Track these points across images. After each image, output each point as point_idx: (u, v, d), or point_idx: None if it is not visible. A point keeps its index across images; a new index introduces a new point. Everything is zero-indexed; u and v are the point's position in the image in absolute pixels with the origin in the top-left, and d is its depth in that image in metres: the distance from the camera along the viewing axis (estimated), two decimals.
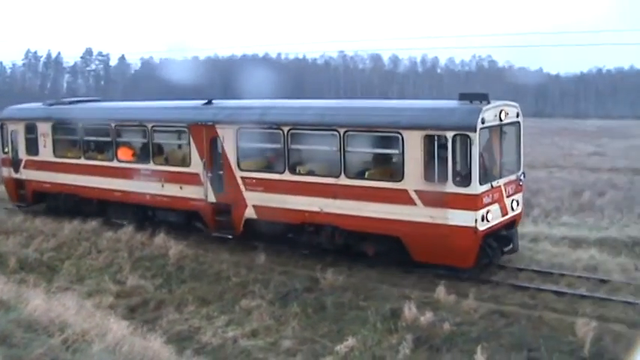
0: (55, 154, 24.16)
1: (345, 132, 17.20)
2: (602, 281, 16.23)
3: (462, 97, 16.66)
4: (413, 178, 16.36)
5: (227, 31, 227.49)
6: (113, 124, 22.25)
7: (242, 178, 19.21)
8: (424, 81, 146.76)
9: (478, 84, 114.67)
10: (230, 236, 19.92)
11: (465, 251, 16.13)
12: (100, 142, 23.27)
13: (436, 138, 16.03)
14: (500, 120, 16.60)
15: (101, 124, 22.80)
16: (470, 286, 15.87)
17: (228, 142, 19.37)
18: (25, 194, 25.58)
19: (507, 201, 17.07)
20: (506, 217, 17.14)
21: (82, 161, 23.26)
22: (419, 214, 16.34)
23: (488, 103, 16.15)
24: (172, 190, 20.77)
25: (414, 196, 16.37)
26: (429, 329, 13.70)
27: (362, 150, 17.59)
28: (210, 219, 20.14)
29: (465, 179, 15.89)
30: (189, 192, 20.33)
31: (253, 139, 19.26)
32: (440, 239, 16.01)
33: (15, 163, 25.57)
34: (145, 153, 21.66)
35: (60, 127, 24.11)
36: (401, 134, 16.44)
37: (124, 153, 22.37)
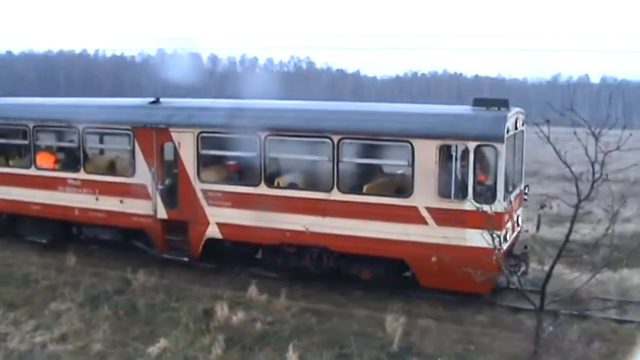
0: None
1: (341, 140, 14.84)
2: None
3: (477, 102, 14.76)
4: (424, 194, 14.31)
5: (43, 25, 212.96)
6: (31, 125, 18.49)
7: (203, 191, 16.33)
8: (243, 81, 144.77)
9: (297, 84, 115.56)
10: (186, 259, 16.95)
11: (488, 274, 14.31)
12: (14, 146, 19.43)
13: (455, 148, 14.08)
14: (516, 128, 14.97)
15: (15, 125, 18.97)
16: (281, 285, 15.58)
17: (186, 148, 16.40)
18: None
19: (515, 216, 15.46)
20: (514, 233, 15.56)
21: None
22: (430, 234, 14.33)
23: (509, 109, 14.39)
24: (110, 203, 17.46)
25: (424, 213, 14.33)
26: (241, 329, 13.65)
27: (361, 161, 15.33)
28: (159, 238, 17.06)
29: (488, 195, 14.03)
30: (133, 206, 17.14)
31: (219, 145, 16.47)
32: (455, 262, 14.01)
33: None
34: (73, 160, 18.13)
35: None
36: (411, 143, 14.33)
37: (44, 159, 18.68)
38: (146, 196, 16.92)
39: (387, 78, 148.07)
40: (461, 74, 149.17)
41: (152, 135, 16.71)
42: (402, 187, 14.89)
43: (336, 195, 15.03)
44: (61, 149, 19.03)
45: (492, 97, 15.98)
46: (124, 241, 17.99)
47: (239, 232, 16.06)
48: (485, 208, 13.77)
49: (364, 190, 15.13)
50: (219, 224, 16.28)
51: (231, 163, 16.89)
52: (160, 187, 16.78)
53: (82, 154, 17.85)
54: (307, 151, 15.54)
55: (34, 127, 18.44)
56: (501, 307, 14.87)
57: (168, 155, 16.83)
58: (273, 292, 15.22)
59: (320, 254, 15.53)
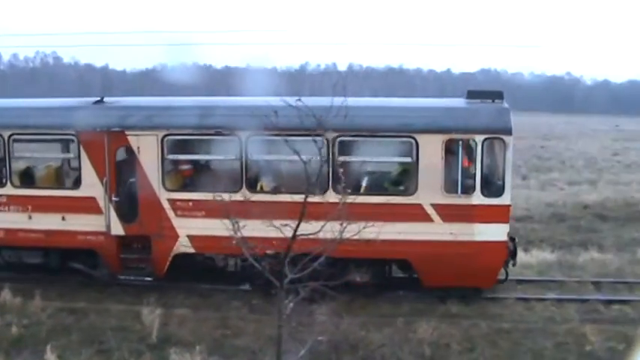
0: None
1: (337, 137, 13.85)
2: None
3: (471, 95, 14.44)
4: (430, 191, 13.76)
5: None
6: None
7: (170, 200, 14.53)
8: None
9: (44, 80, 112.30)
10: (148, 279, 15.01)
11: (493, 269, 14.08)
12: None
13: (461, 143, 13.67)
14: None
15: None
16: (35, 287, 14.86)
17: (148, 154, 14.50)
18: None
19: None
20: None
21: None
22: (436, 231, 13.82)
23: (503, 101, 14.24)
24: (48, 221, 15.01)
25: (430, 211, 13.79)
26: None
27: (360, 159, 14.40)
28: (113, 258, 14.94)
29: (496, 189, 13.77)
30: (79, 223, 14.87)
31: (189, 149, 14.77)
32: (462, 258, 13.66)
33: None
34: None
35: None
36: (415, 139, 13.71)
37: None
38: (96, 210, 14.76)
39: (136, 71, 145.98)
40: (210, 66, 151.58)
41: (103, 140, 14.59)
42: (406, 184, 14.21)
43: (331, 197, 13.98)
44: None
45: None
46: (59, 264, 15.61)
47: (213, 245, 14.44)
48: (492, 201, 13.60)
49: (362, 190, 14.28)
50: (190, 237, 14.58)
51: (207, 167, 15.22)
52: (115, 199, 14.71)
53: (7, 166, 15.18)
54: (298, 151, 14.32)
55: None
56: (256, 292, 14.68)
57: (124, 162, 14.83)
58: (27, 295, 14.52)
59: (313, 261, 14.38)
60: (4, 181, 15.21)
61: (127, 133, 14.55)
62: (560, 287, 15.85)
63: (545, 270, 17.50)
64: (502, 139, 13.57)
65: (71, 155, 15.06)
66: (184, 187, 14.87)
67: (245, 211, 13.75)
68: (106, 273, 15.37)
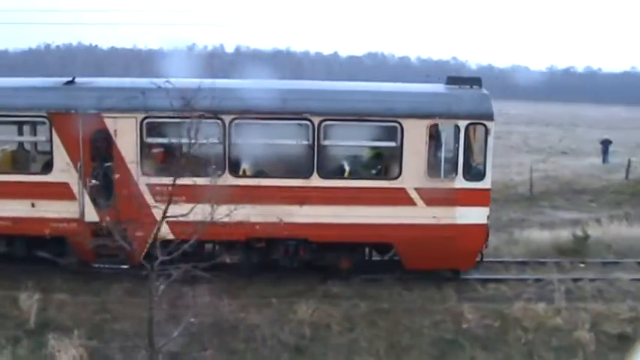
0: None
1: (322, 121, 13.88)
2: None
3: (451, 80, 14.81)
4: (413, 175, 14.07)
5: None
6: None
7: (150, 185, 14.11)
8: None
9: None
10: (125, 266, 14.53)
11: (473, 251, 14.59)
12: None
13: (445, 128, 14.04)
14: None
15: None
16: None
17: (126, 137, 14.03)
18: None
19: None
20: None
21: None
22: (419, 215, 14.16)
23: (481, 87, 14.70)
24: (14, 208, 14.24)
25: (413, 195, 14.10)
26: None
27: (345, 143, 14.47)
28: (86, 246, 14.38)
29: (477, 173, 14.25)
30: (50, 210, 14.19)
31: (170, 132, 14.33)
32: (445, 241, 14.08)
33: None
34: None
35: None
36: (400, 124, 13.95)
37: None
38: (69, 196, 14.15)
39: (19, 51, 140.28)
40: (96, 46, 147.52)
41: (77, 122, 13.96)
42: (390, 169, 14.42)
43: (316, 181, 14.06)
44: None
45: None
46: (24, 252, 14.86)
47: (195, 231, 14.20)
48: (473, 185, 14.08)
49: (346, 174, 14.40)
50: (170, 223, 14.20)
51: (190, 151, 14.81)
52: (90, 184, 14.14)
53: None
54: (283, 135, 14.29)
55: None
56: (138, 278, 14.21)
57: (100, 146, 14.25)
58: None
59: (296, 246, 14.43)
60: None
61: (103, 115, 13.99)
62: None
63: None
64: (484, 125, 14.02)
65: (43, 138, 14.29)
66: (163, 172, 14.45)
67: (228, 195, 13.66)
68: (75, 261, 14.78)
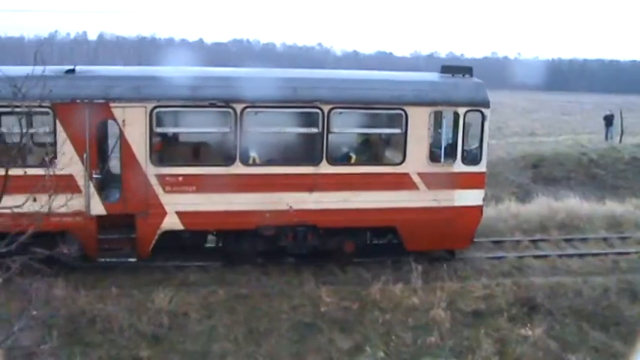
0: None
1: (332, 109, 14.20)
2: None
3: (445, 69, 15.52)
4: (416, 160, 14.70)
5: None
6: None
7: (158, 176, 13.87)
8: None
9: None
10: (132, 259, 14.25)
11: (471, 231, 15.45)
12: None
13: (445, 115, 14.77)
14: None
15: None
16: None
17: (135, 127, 13.65)
18: None
19: None
20: None
21: None
22: (421, 198, 14.84)
23: (472, 75, 15.52)
24: (15, 203, 13.51)
25: (416, 179, 14.74)
26: None
27: (352, 131, 14.84)
28: (91, 239, 13.94)
29: (474, 157, 15.08)
30: (53, 204, 13.62)
31: (180, 122, 14.19)
32: (444, 223, 14.85)
33: None
34: None
35: None
36: (405, 111, 14.51)
37: None
38: (74, 189, 13.60)
39: None
40: None
41: (84, 112, 13.47)
42: (394, 154, 14.94)
43: (325, 168, 14.38)
44: None
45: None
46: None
47: (206, 221, 14.19)
48: (471, 169, 14.96)
49: (352, 160, 14.80)
50: (179, 213, 14.09)
51: (200, 140, 14.64)
52: (96, 176, 13.73)
53: None
54: (293, 123, 14.49)
55: None
56: None
57: (107, 136, 13.88)
58: None
59: (305, 233, 14.69)
60: None
61: (111, 105, 13.60)
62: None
63: None
64: (481, 111, 14.85)
65: (46, 129, 13.66)
66: (174, 162, 14.25)
67: (238, 184, 13.83)
68: (75, 256, 14.27)
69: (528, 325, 13.04)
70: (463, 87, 15.10)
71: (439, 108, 14.72)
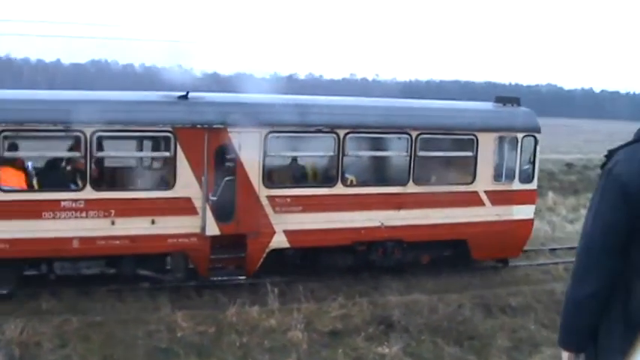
0: None
1: (419, 135, 15.71)
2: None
3: (498, 99, 17.44)
4: (484, 180, 16.48)
5: None
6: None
7: (270, 197, 14.75)
8: None
9: None
10: (242, 277, 14.94)
11: (524, 241, 17.37)
12: None
13: (507, 139, 16.67)
14: None
15: None
16: None
17: (250, 150, 14.47)
18: None
19: None
20: None
21: None
22: (487, 213, 16.63)
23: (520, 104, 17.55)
24: (133, 226, 13.94)
25: (483, 197, 16.52)
26: None
27: (434, 154, 16.29)
28: (204, 259, 14.54)
29: (528, 177, 17.04)
30: (170, 226, 14.11)
31: (289, 146, 15.10)
32: (505, 234, 16.71)
33: None
34: (69, 175, 13.99)
35: None
36: (476, 136, 16.27)
37: (12, 176, 13.41)
38: (191, 211, 14.23)
39: None
40: None
41: (203, 137, 14.13)
42: (467, 175, 16.57)
43: (411, 188, 15.82)
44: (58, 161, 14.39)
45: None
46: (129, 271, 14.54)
47: (308, 238, 15.18)
48: (525, 187, 17.04)
49: (432, 180, 16.31)
50: (286, 232, 15.00)
51: (305, 164, 15.51)
52: (212, 198, 14.38)
53: (88, 166, 13.65)
54: (386, 147, 15.83)
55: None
56: None
57: (223, 160, 14.57)
58: None
59: (393, 247, 15.99)
60: (81, 184, 13.66)
61: (229, 130, 14.34)
62: None
63: None
64: (534, 136, 16.89)
65: (167, 154, 14.14)
66: (283, 184, 15.15)
67: (340, 203, 15.11)
68: (179, 277, 14.80)
69: (385, 343, 12.71)
70: (519, 115, 17.09)
71: (502, 134, 16.58)
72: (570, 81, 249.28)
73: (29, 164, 14.12)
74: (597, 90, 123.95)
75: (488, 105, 17.79)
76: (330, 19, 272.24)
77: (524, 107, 17.46)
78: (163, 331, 12.65)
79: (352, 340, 12.82)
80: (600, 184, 3.86)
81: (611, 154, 3.87)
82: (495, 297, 15.18)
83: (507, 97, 17.67)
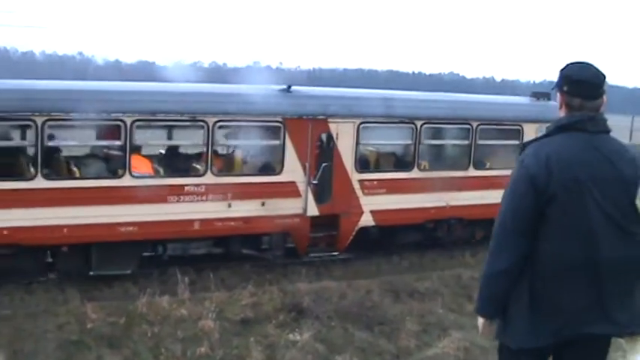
0: None
1: (478, 125, 17.68)
2: None
3: (533, 95, 19.70)
4: None
5: None
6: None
7: (360, 181, 16.39)
8: None
9: None
10: (336, 253, 16.45)
11: None
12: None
13: (541, 130, 18.94)
14: None
15: None
16: None
17: (345, 139, 16.06)
18: None
19: None
20: None
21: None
22: None
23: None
24: (247, 208, 15.22)
25: None
26: None
27: (489, 142, 18.22)
28: (304, 237, 16.00)
29: None
30: (277, 207, 15.47)
31: (376, 135, 16.72)
32: None
33: None
34: (192, 162, 15.45)
35: None
36: (522, 127, 18.39)
37: (140, 163, 14.47)
38: (295, 194, 15.67)
39: None
40: None
41: (307, 127, 15.60)
42: (513, 161, 18.63)
43: (471, 172, 17.80)
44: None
45: None
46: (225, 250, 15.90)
47: (390, 217, 16.84)
48: None
49: (487, 166, 18.32)
50: (372, 212, 16.63)
51: (389, 151, 17.06)
52: (314, 182, 15.83)
53: (208, 154, 14.80)
54: (452, 136, 17.71)
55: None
56: None
57: (322, 148, 16.06)
58: None
59: (454, 225, 17.89)
60: (204, 169, 14.80)
61: (329, 120, 15.84)
62: None
63: None
64: None
65: (276, 142, 15.46)
66: (371, 169, 16.79)
67: (415, 186, 17.00)
68: (278, 255, 16.14)
69: (297, 329, 12.60)
70: (551, 108, 19.32)
71: (540, 125, 18.78)
72: (472, 70, 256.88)
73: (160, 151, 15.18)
74: (498, 79, 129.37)
75: (526, 99, 20.01)
76: (233, 6, 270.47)
77: (552, 101, 19.76)
78: (73, 323, 12.36)
79: (263, 328, 12.68)
80: (514, 172, 4.59)
81: (524, 146, 4.62)
82: (403, 283, 15.31)
83: (541, 92, 19.92)
